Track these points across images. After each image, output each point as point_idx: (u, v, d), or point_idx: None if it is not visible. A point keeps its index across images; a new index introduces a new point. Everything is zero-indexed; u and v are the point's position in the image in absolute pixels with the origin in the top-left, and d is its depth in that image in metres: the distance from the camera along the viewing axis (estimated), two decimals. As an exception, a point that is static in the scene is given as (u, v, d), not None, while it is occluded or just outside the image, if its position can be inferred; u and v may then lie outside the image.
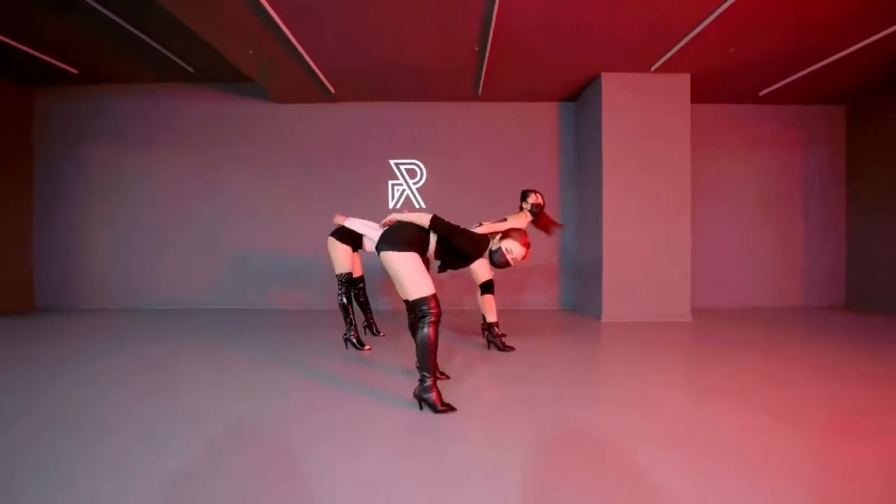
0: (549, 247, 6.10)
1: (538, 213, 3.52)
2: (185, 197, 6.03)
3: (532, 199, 3.52)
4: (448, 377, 2.78)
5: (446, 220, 2.39)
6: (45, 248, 5.99)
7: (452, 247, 2.42)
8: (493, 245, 2.52)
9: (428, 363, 2.26)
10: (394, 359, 3.30)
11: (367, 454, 1.78)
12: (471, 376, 2.87)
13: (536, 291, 6.12)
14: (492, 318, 3.61)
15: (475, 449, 1.85)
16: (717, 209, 6.17)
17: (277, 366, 3.10)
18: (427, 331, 2.24)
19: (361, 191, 6.03)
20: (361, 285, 3.99)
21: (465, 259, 2.50)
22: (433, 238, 2.42)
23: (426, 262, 2.39)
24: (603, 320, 5.06)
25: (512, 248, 2.45)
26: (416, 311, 2.26)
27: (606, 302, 5.09)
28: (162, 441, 1.89)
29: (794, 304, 6.24)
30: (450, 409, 2.24)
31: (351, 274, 3.70)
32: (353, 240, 3.65)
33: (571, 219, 6.07)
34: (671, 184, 5.12)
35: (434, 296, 2.28)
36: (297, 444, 1.88)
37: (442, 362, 3.08)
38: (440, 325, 2.31)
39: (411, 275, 2.26)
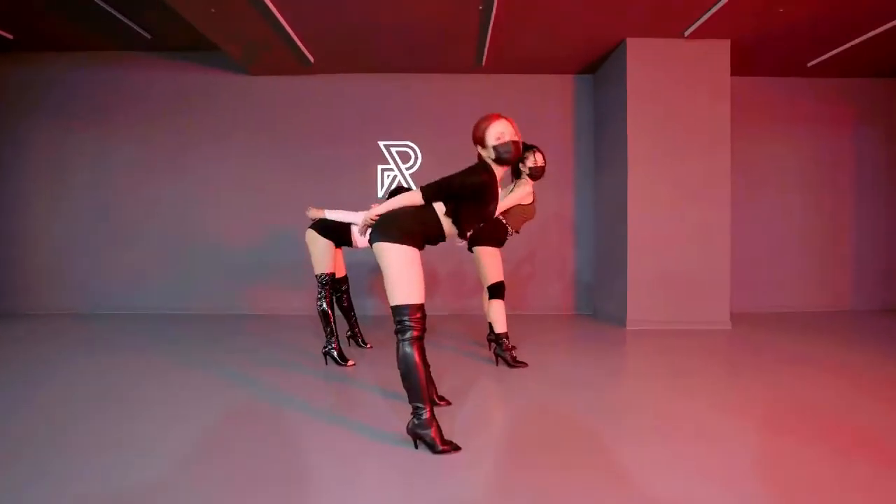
0: (564, 240, 5.76)
1: (539, 178, 3.24)
2: (142, 181, 5.64)
3: (531, 160, 3.19)
4: (448, 403, 2.44)
5: (434, 181, 2.01)
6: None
7: (462, 204, 2.02)
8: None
9: (418, 391, 1.91)
10: (384, 377, 2.94)
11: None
12: (476, 401, 2.51)
13: (549, 292, 5.78)
14: (500, 328, 3.25)
15: (484, 498, 1.54)
16: (756, 198, 5.84)
17: (240, 388, 2.74)
18: (409, 350, 1.90)
19: (347, 178, 5.65)
20: (345, 287, 3.64)
21: (476, 202, 2.04)
22: (444, 219, 2.05)
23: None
24: (628, 328, 4.72)
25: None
26: (395, 320, 1.92)
27: (632, 306, 4.75)
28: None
29: (842, 307, 5.92)
30: (453, 448, 1.89)
31: (334, 275, 3.35)
32: (336, 233, 3.27)
33: (590, 208, 5.74)
34: (707, 168, 4.77)
35: (420, 307, 1.92)
36: (259, 491, 1.53)
37: (441, 382, 2.73)
38: (424, 340, 1.96)
39: (399, 273, 1.91)
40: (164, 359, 3.44)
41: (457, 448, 1.90)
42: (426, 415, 1.91)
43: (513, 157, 2.05)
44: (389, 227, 1.95)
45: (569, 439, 2.02)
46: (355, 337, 3.83)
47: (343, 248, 3.48)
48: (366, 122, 5.67)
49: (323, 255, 3.27)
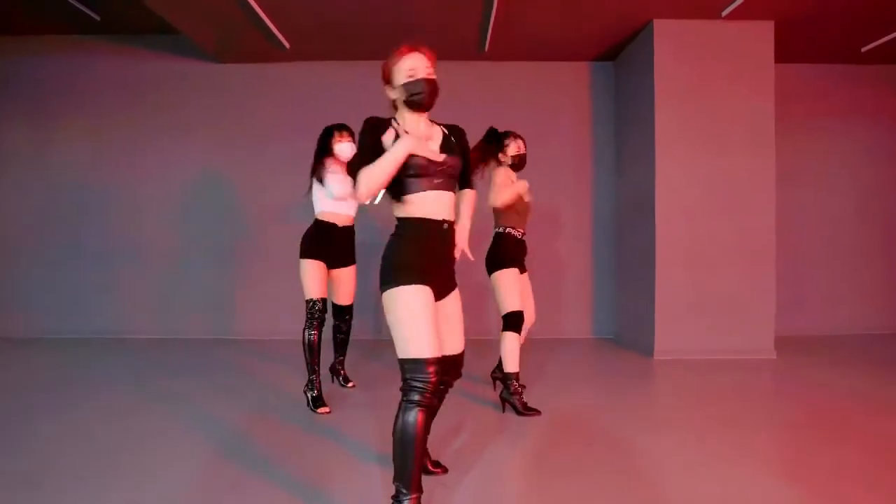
0: (580, 251, 5.54)
1: (521, 167, 3.14)
2: (94, 180, 5.45)
3: (513, 146, 3.08)
4: (444, 470, 2.17)
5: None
6: None
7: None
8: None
9: (406, 472, 1.63)
10: (368, 432, 2.68)
11: None
12: (479, 467, 2.23)
13: (564, 314, 5.55)
14: (511, 366, 2.98)
15: None
16: (800, 202, 5.66)
17: (187, 439, 2.47)
18: (411, 418, 1.62)
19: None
20: (348, 317, 3.46)
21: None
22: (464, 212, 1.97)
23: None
24: (655, 357, 4.47)
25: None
26: (404, 375, 1.66)
27: (660, 331, 4.50)
28: None
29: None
30: None
31: (324, 301, 3.10)
32: (327, 249, 3.11)
33: (610, 215, 5.55)
34: (748, 170, 4.58)
35: (435, 361, 1.65)
36: None
37: (431, 435, 2.46)
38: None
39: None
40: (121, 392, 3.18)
41: None
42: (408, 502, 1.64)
43: (425, 99, 1.76)
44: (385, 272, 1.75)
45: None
46: (336, 374, 3.59)
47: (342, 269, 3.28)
48: (349, 114, 5.38)
49: (312, 278, 3.09)
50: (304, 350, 3.06)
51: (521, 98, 5.51)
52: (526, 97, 5.50)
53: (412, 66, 1.76)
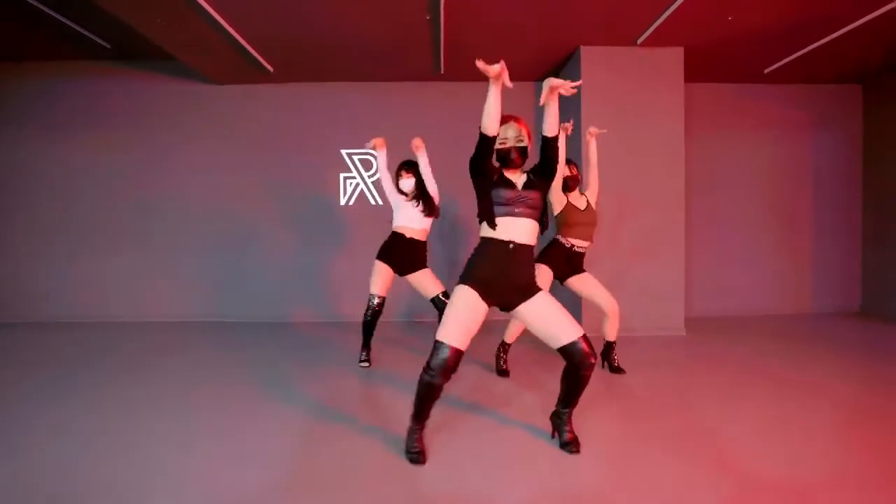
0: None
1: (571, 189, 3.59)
2: (100, 190, 5.68)
3: (566, 170, 3.52)
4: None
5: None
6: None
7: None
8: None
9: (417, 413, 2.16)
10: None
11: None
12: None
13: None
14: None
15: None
16: (715, 203, 5.92)
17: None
18: (422, 384, 2.10)
19: (309, 185, 5.72)
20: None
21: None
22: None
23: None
24: (591, 334, 4.76)
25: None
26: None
27: (586, 312, 4.82)
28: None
29: (803, 310, 6.01)
30: (415, 456, 2.10)
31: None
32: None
33: (549, 216, 5.78)
34: (662, 173, 4.86)
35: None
36: None
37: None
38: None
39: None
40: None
41: (416, 459, 2.06)
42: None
43: (512, 164, 2.22)
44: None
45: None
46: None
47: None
48: (328, 130, 5.73)
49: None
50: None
51: (475, 114, 5.59)
52: (479, 113, 5.62)
53: (504, 137, 2.21)
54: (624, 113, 4.83)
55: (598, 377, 3.30)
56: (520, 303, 2.13)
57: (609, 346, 3.56)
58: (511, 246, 2.09)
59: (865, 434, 2.29)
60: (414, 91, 5.73)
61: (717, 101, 5.87)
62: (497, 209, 2.11)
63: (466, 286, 2.08)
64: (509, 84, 1.98)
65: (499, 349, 3.54)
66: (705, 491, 1.78)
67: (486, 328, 2.58)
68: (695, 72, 5.38)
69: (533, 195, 2.14)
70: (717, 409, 2.67)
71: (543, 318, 2.10)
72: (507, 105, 5.64)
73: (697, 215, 5.80)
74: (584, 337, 2.06)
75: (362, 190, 5.71)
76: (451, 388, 3.01)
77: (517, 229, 2.10)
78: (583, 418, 2.51)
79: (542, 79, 5.74)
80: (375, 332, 3.72)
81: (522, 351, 4.05)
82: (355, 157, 5.73)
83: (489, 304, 2.12)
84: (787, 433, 2.31)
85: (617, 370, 3.50)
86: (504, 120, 2.17)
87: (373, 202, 5.70)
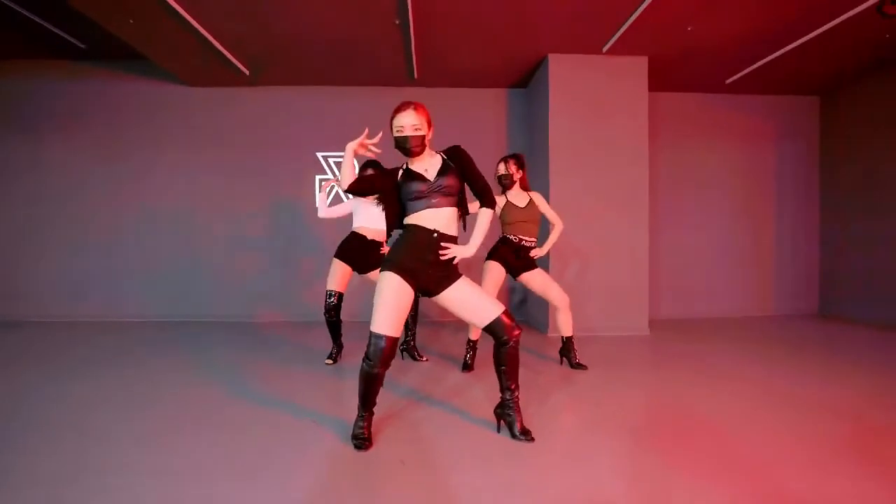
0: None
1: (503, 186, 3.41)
2: (72, 190, 5.53)
3: (501, 167, 3.43)
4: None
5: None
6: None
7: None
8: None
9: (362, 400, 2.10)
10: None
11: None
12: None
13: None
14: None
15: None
16: (680, 208, 5.92)
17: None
18: (363, 373, 2.07)
19: (284, 187, 5.62)
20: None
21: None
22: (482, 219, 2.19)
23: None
24: (549, 334, 4.73)
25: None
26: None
27: (552, 312, 4.75)
28: None
29: (765, 313, 6.02)
30: (359, 443, 2.04)
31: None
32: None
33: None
34: (626, 177, 4.83)
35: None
36: None
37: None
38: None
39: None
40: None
41: (362, 445, 2.00)
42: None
43: (409, 153, 2.06)
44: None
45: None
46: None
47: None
48: (304, 132, 5.64)
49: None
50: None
51: (449, 119, 5.62)
52: (453, 118, 5.60)
53: (400, 125, 2.03)
54: (589, 120, 4.81)
55: (559, 374, 3.23)
56: (442, 289, 2.09)
57: (568, 342, 3.43)
58: (435, 235, 2.05)
59: (812, 423, 2.24)
60: (389, 95, 5.61)
61: (681, 109, 5.89)
62: (414, 204, 2.06)
63: (391, 272, 2.00)
64: (376, 151, 2.16)
65: (467, 346, 3.42)
66: (660, 476, 1.71)
67: (456, 327, 2.48)
68: (660, 81, 5.41)
69: (448, 181, 2.05)
70: (678, 402, 2.61)
71: (464, 301, 2.08)
72: (480, 111, 5.76)
73: (663, 220, 5.80)
74: (507, 312, 2.08)
75: (337, 192, 5.61)
76: (405, 380, 2.92)
77: (439, 219, 2.05)
78: (542, 410, 2.44)
79: (514, 86, 5.73)
80: (346, 332, 3.60)
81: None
82: (331, 160, 5.64)
83: (413, 289, 2.05)
84: (745, 425, 2.26)
85: (578, 366, 3.39)
86: (401, 107, 2.03)
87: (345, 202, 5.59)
